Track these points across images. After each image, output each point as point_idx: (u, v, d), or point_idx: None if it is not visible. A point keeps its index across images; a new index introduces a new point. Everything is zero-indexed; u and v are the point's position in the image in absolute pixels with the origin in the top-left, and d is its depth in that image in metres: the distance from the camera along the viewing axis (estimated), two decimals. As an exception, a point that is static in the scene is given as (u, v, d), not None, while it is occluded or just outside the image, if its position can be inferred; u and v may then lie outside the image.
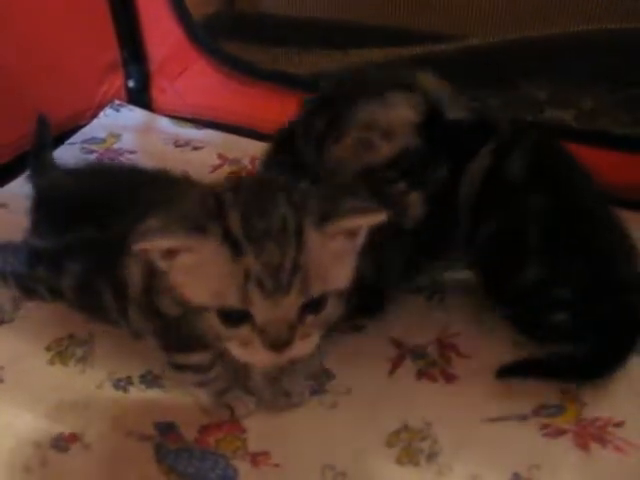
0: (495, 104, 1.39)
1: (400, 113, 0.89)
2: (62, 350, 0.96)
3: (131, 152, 1.40)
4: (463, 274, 1.01)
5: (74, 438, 0.84)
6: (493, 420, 0.86)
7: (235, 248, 0.61)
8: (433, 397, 0.89)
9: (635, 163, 1.22)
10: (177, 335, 0.78)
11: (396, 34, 1.48)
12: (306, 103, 0.97)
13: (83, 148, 1.41)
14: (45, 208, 0.94)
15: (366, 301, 0.92)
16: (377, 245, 0.71)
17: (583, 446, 0.82)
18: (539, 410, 0.87)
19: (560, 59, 1.37)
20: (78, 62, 1.42)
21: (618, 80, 1.37)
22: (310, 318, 0.65)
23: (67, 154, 1.32)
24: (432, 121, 0.89)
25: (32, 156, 1.06)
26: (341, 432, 0.85)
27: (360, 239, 0.67)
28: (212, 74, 1.50)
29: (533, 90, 1.42)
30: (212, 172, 1.34)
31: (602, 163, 1.20)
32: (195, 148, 1.43)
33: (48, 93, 1.30)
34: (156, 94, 1.56)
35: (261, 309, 0.62)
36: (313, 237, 0.63)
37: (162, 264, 0.66)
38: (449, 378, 0.92)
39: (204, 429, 0.85)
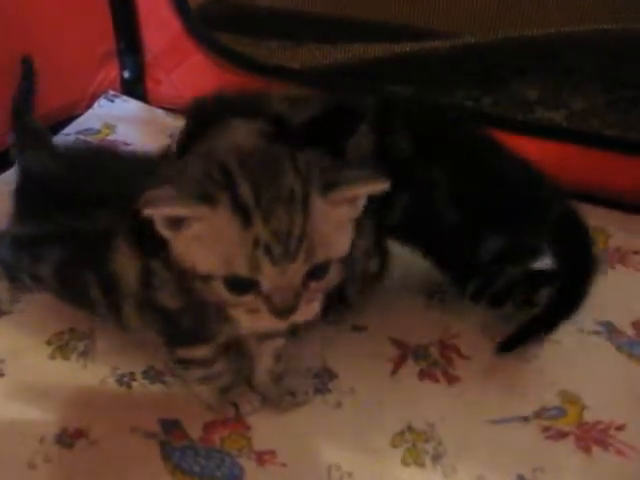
0: (487, 103, 1.40)
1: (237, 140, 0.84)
2: (63, 344, 0.95)
3: (126, 144, 1.39)
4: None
5: (79, 434, 0.83)
6: (495, 422, 0.87)
7: (244, 217, 0.62)
8: (436, 398, 0.90)
9: (628, 166, 1.23)
10: (178, 329, 0.78)
11: (391, 29, 1.47)
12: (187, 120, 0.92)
13: (78, 139, 1.39)
14: (26, 192, 0.90)
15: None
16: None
17: (585, 449, 0.84)
18: (540, 412, 0.88)
19: (553, 59, 1.38)
20: (74, 51, 1.39)
21: (611, 81, 1.38)
22: (313, 284, 0.66)
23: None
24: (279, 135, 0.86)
25: (15, 103, 1.04)
26: (347, 432, 0.85)
27: (360, 207, 0.68)
28: (209, 67, 1.48)
29: (524, 89, 1.43)
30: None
31: (591, 164, 1.23)
32: (189, 140, 1.42)
33: (42, 81, 1.27)
34: (151, 85, 1.55)
35: (269, 276, 0.63)
36: (318, 205, 0.64)
37: (166, 233, 0.66)
38: (451, 379, 0.93)
39: (209, 427, 0.85)
